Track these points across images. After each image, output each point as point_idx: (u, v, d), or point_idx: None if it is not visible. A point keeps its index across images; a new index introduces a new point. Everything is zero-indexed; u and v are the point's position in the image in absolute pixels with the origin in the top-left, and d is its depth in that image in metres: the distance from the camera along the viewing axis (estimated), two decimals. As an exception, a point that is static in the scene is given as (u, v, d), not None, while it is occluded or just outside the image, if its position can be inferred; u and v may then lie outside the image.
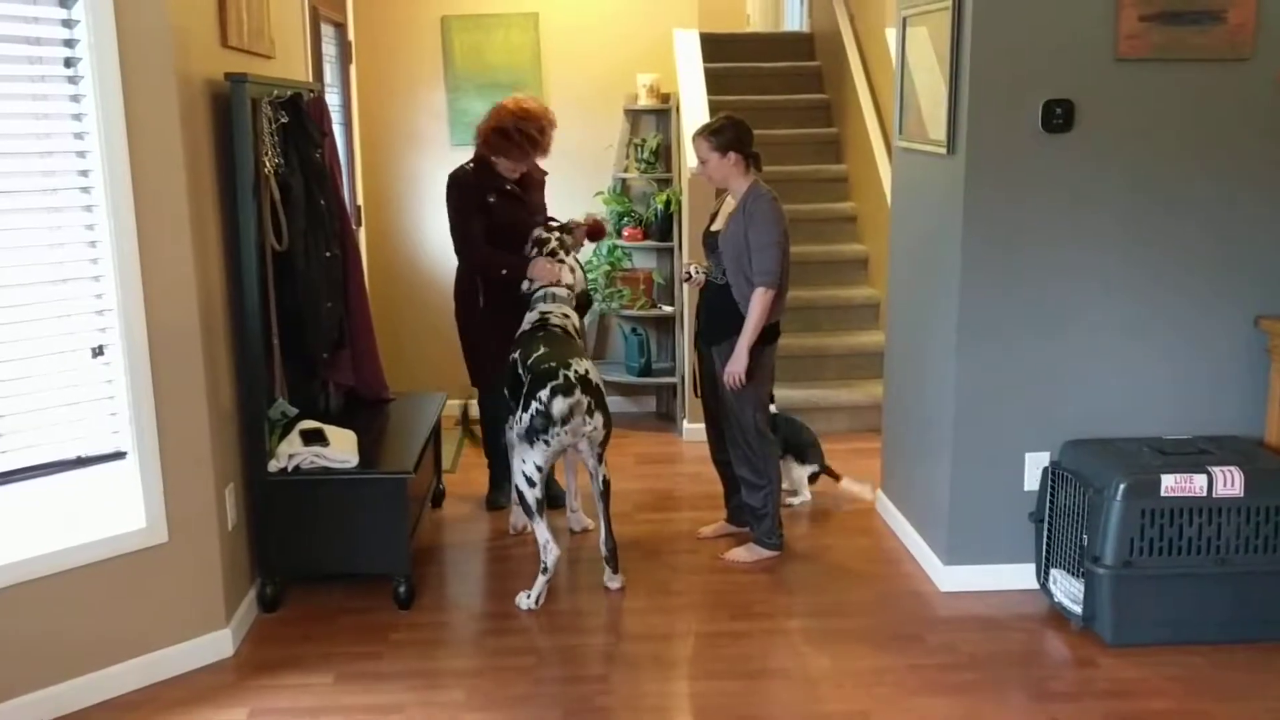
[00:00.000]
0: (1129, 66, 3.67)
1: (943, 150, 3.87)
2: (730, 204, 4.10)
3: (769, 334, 4.11)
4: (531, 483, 3.92)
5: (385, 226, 6.23)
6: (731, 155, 4.01)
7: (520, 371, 3.99)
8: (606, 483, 4.04)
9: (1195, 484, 3.46)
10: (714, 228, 4.17)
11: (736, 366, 4.02)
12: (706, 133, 4.05)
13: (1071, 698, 3.27)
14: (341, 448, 3.86)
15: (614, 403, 6.39)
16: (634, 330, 6.25)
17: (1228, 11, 3.62)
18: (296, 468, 3.78)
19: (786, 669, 3.47)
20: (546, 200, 4.85)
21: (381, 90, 6.13)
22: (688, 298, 5.50)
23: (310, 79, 4.89)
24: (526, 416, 3.85)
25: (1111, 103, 3.69)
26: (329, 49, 5.43)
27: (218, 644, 3.54)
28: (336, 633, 3.73)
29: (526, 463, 3.91)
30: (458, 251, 4.61)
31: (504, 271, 4.49)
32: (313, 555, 3.86)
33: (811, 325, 6.25)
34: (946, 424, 3.95)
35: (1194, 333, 3.86)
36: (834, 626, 3.74)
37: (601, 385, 4.03)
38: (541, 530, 3.94)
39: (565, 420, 3.82)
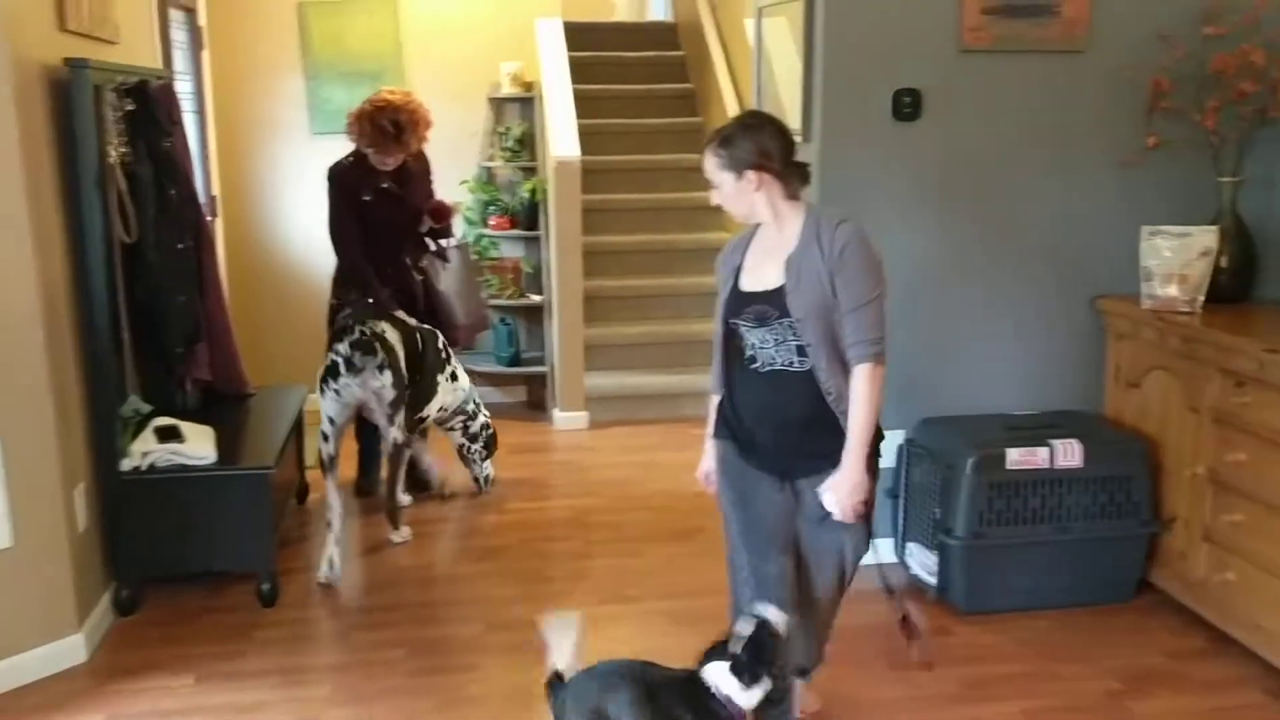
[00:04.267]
0: (973, 57, 3.82)
1: (798, 138, 3.96)
2: (776, 241, 2.70)
3: (879, 438, 2.75)
4: (325, 436, 4.16)
5: (243, 217, 6.07)
6: (751, 176, 2.64)
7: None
8: (395, 445, 4.27)
9: (1039, 457, 3.63)
10: (754, 285, 2.71)
11: (858, 492, 2.66)
12: (713, 144, 2.70)
13: (928, 665, 3.40)
14: (199, 444, 3.76)
15: (485, 393, 6.37)
16: (503, 320, 6.23)
17: (1063, 6, 3.79)
18: (151, 466, 3.67)
19: (657, 650, 3.48)
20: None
21: (236, 78, 5.97)
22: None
23: (159, 66, 4.73)
24: (322, 367, 4.11)
25: (957, 92, 3.84)
26: (179, 35, 5.26)
27: (71, 650, 3.42)
28: (198, 633, 3.64)
29: (323, 416, 4.13)
30: (333, 247, 4.55)
31: (362, 290, 4.51)
32: (171, 555, 3.75)
33: (680, 312, 6.33)
34: (807, 405, 4.04)
35: (1039, 313, 4.04)
36: (703, 606, 3.80)
37: (398, 349, 4.20)
38: (332, 492, 4.16)
39: (350, 368, 4.05)
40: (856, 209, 3.84)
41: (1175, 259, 3.66)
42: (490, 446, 4.90)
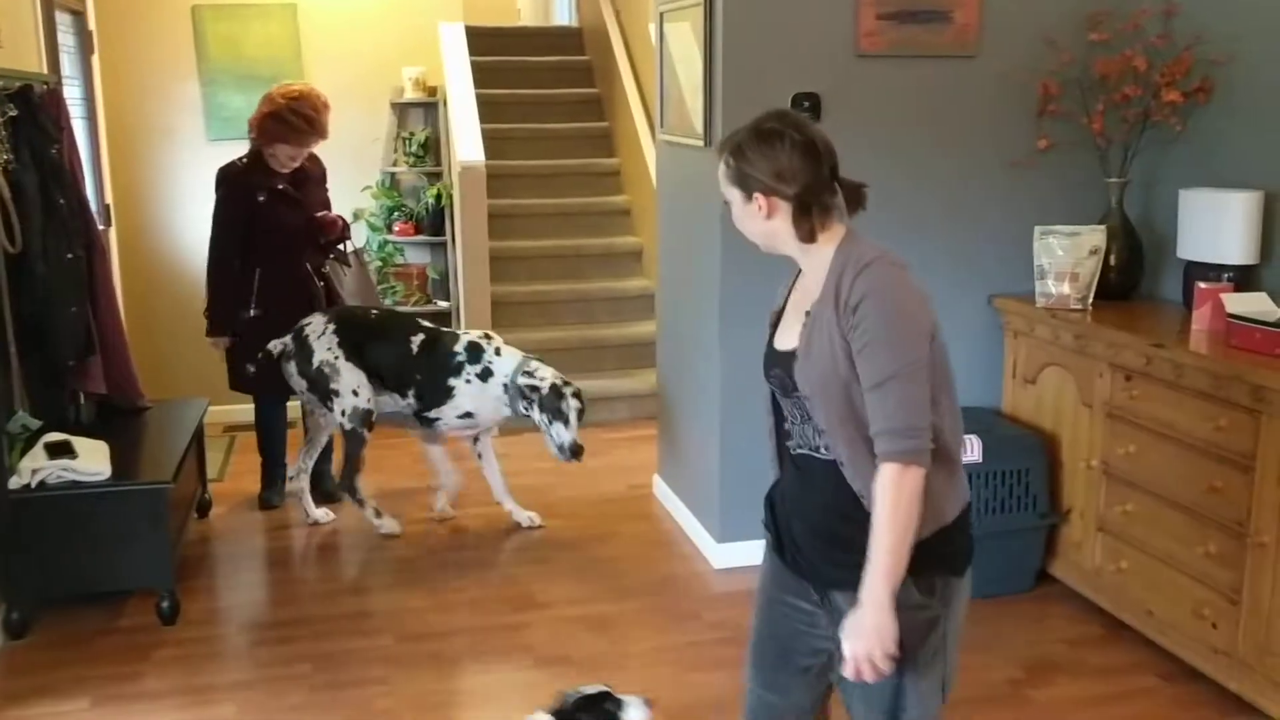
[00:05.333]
0: (869, 61, 3.89)
1: (701, 142, 3.99)
2: (809, 283, 2.08)
3: (951, 553, 2.05)
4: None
5: (138, 225, 5.91)
6: (760, 201, 2.01)
7: None
8: (342, 430, 4.43)
9: (940, 453, 3.70)
10: (781, 340, 2.13)
11: (873, 640, 1.91)
12: (724, 149, 2.07)
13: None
14: (92, 459, 3.65)
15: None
16: (410, 327, 6.16)
17: (954, 12, 3.88)
18: (42, 483, 3.55)
19: (568, 656, 3.52)
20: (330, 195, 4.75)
21: (129, 83, 5.81)
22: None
23: (45, 70, 4.58)
24: None
25: (855, 96, 3.90)
26: (66, 39, 5.10)
27: (-43, 677, 3.29)
28: (94, 655, 3.53)
29: None
30: (209, 249, 4.48)
31: (210, 306, 4.54)
32: (65, 575, 3.63)
33: (589, 317, 6.32)
34: (713, 407, 4.08)
35: (939, 311, 4.10)
36: (614, 611, 3.81)
37: (313, 348, 4.34)
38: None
39: (279, 359, 4.40)
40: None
41: (1067, 258, 3.77)
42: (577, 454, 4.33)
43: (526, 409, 4.29)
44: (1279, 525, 2.90)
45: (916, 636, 1.97)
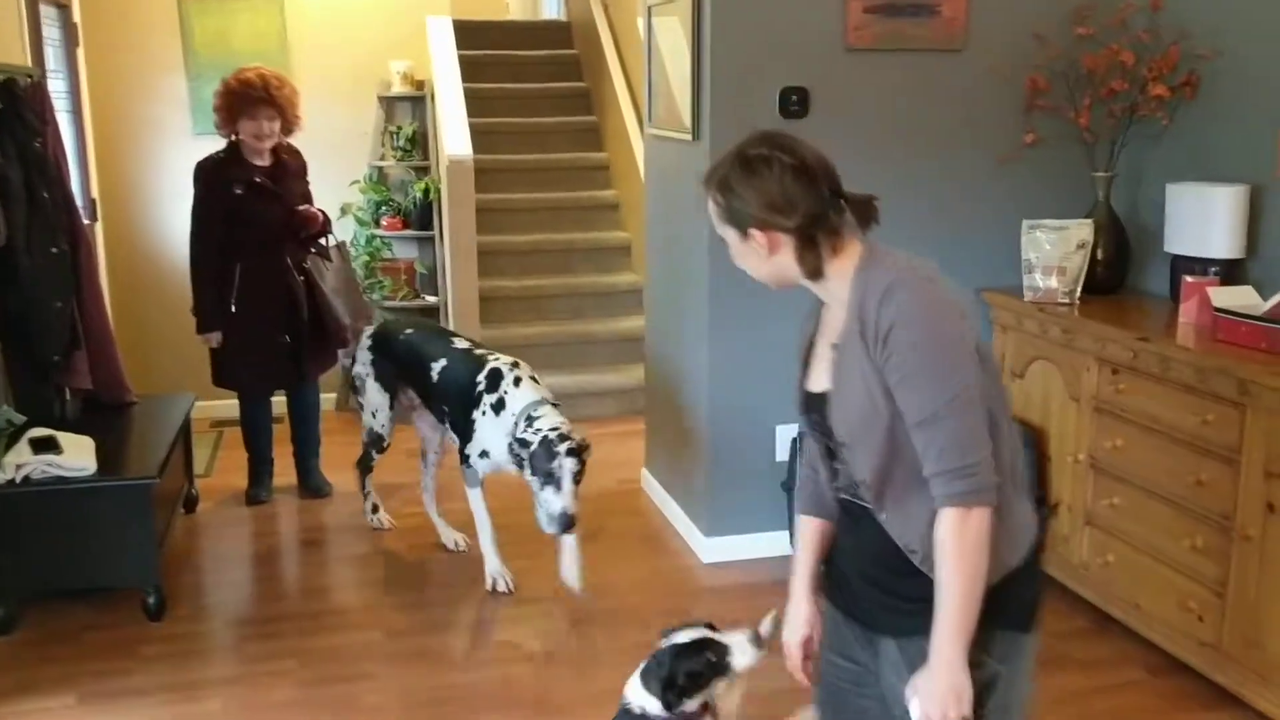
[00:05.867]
0: (857, 55, 3.88)
1: (689, 136, 3.99)
2: (833, 315, 1.86)
3: (1013, 604, 1.83)
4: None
5: (124, 220, 5.88)
6: (758, 237, 1.81)
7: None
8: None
9: (928, 447, 3.71)
10: (813, 380, 1.91)
11: (947, 701, 1.72)
12: (710, 183, 1.86)
13: (824, 655, 3.45)
14: (77, 455, 3.63)
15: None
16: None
17: (942, 6, 3.88)
18: (26, 478, 3.53)
19: (559, 651, 3.52)
20: (311, 189, 4.73)
21: (114, 76, 5.77)
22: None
23: (29, 63, 4.55)
24: None
25: (843, 90, 3.90)
26: (51, 31, 5.07)
27: (-58, 674, 3.28)
28: (80, 652, 3.51)
29: None
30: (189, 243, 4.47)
31: (195, 302, 4.50)
32: (50, 571, 3.62)
33: (578, 312, 6.32)
34: (702, 402, 4.08)
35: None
36: (604, 606, 3.80)
37: (355, 358, 4.36)
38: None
39: None
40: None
41: (1054, 251, 3.78)
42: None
43: (519, 465, 3.62)
44: (1264, 518, 2.91)
45: (988, 687, 1.77)
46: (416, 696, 3.25)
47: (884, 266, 1.77)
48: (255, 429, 4.77)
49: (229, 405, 4.98)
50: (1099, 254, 3.86)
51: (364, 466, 4.45)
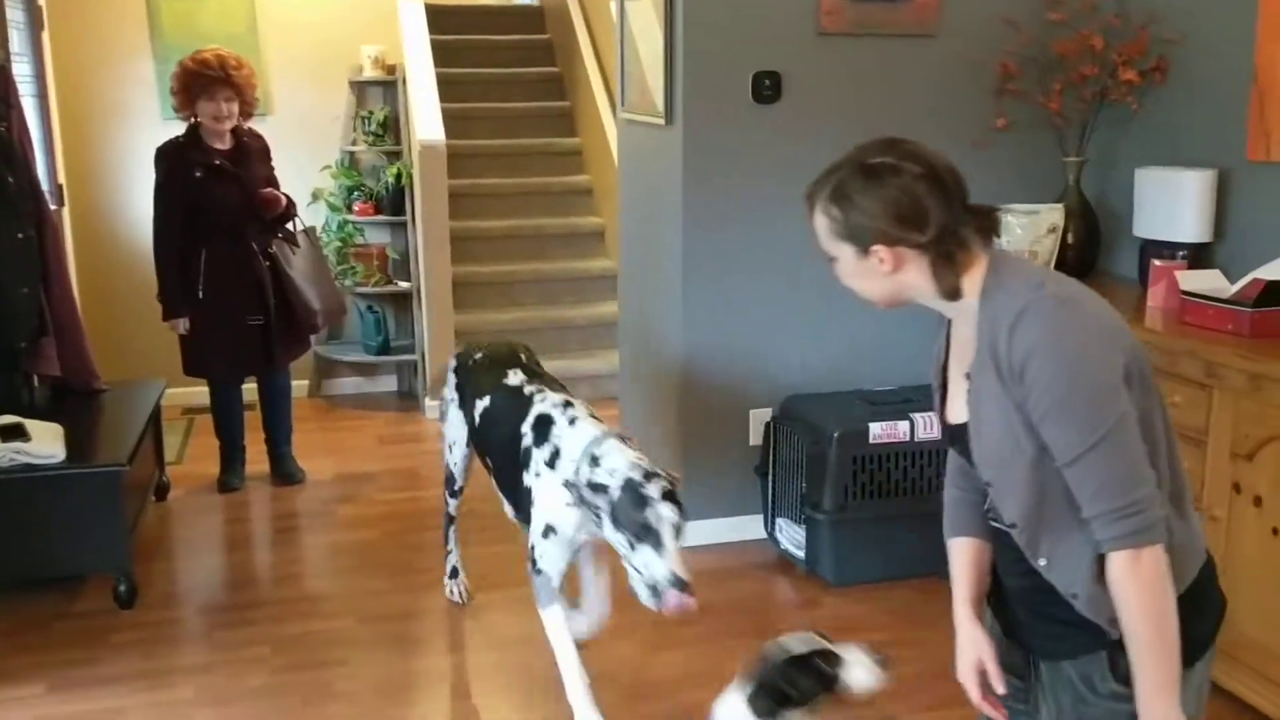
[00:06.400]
0: (830, 40, 3.88)
1: (662, 121, 3.98)
2: (964, 333, 1.72)
3: (1197, 636, 1.67)
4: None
5: (92, 205, 5.81)
6: (882, 254, 1.65)
7: None
8: None
9: (900, 430, 3.73)
10: (956, 414, 1.76)
11: None
12: (821, 195, 1.72)
13: (797, 637, 3.47)
14: (45, 443, 3.60)
15: (352, 383, 6.27)
16: (370, 308, 6.11)
17: (915, -10, 3.89)
18: (-6, 467, 3.50)
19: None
20: (276, 173, 4.68)
21: (81, 60, 5.70)
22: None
23: (-7, 46, 4.49)
24: None
25: (816, 74, 3.90)
26: (15, 14, 4.99)
27: (-91, 664, 3.25)
28: (50, 640, 3.48)
29: None
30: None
31: (160, 288, 4.43)
32: (19, 560, 3.59)
33: (552, 298, 6.30)
34: (675, 387, 4.08)
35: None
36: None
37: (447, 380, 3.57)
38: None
39: None
40: (719, 191, 3.89)
41: (1025, 236, 3.80)
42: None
43: (596, 520, 2.71)
44: (1231, 499, 2.94)
45: None
46: (389, 682, 3.25)
47: (1013, 288, 1.61)
48: (226, 416, 4.75)
49: (200, 392, 4.95)
50: (1069, 238, 3.88)
51: (445, 516, 3.72)
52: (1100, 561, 1.58)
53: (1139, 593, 1.55)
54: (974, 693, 1.84)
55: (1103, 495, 1.54)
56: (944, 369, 1.78)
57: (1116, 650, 1.62)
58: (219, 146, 4.43)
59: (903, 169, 1.64)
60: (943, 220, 1.62)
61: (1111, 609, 1.59)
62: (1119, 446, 1.53)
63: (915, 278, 1.66)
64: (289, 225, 4.66)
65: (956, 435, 1.74)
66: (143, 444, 4.02)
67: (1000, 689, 1.80)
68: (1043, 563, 1.65)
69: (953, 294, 1.65)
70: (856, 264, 1.68)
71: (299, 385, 5.57)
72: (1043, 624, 1.72)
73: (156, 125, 5.71)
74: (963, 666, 1.87)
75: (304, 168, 5.85)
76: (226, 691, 3.19)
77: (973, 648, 1.85)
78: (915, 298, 1.70)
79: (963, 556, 1.89)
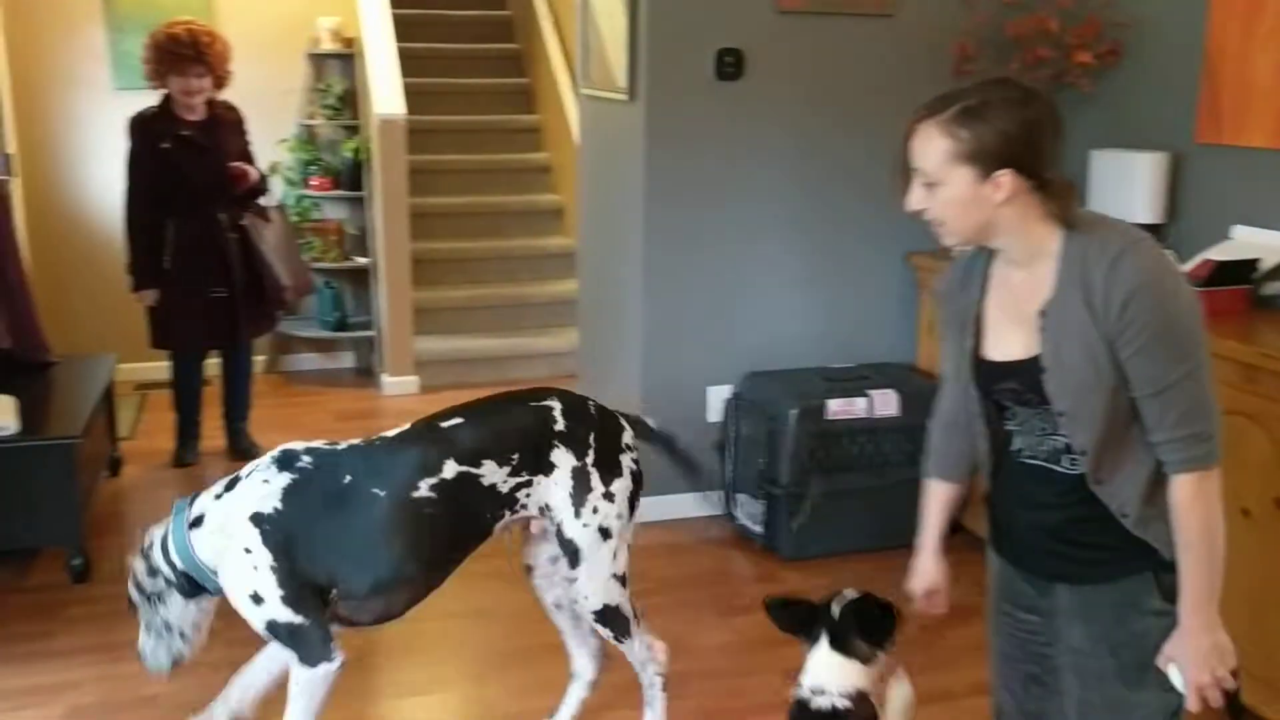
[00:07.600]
0: (790, 18, 3.90)
1: (624, 97, 3.98)
2: (1024, 281, 1.77)
3: None
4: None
5: (43, 176, 5.71)
6: (1003, 181, 1.66)
7: None
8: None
9: (857, 406, 3.78)
10: (1001, 351, 1.82)
11: (1214, 660, 1.73)
12: (945, 115, 1.69)
13: (755, 610, 3.49)
14: (-3, 414, 3.55)
15: (309, 359, 6.23)
16: (327, 283, 6.07)
17: (875, -31, 3.92)
18: (-56, 438, 3.45)
19: (487, 609, 3.52)
20: (252, 147, 4.64)
21: (31, 29, 5.59)
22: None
23: (-60, 12, 4.40)
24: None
25: (776, 52, 3.92)
26: (-37, -21, 4.89)
27: None
28: (3, 614, 3.46)
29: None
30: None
31: (130, 259, 4.37)
32: (-31, 533, 3.54)
33: (510, 276, 6.29)
34: (634, 363, 4.10)
35: (854, 269, 4.18)
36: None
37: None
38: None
39: None
40: (681, 168, 3.91)
41: (981, 216, 3.85)
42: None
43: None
44: (1178, 473, 3.00)
45: (1149, 645, 1.77)
46: (345, 648, 3.24)
47: (1103, 233, 1.69)
48: (186, 390, 4.71)
49: (153, 368, 4.90)
50: (1024, 218, 3.93)
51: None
52: (1150, 483, 1.73)
53: (1204, 510, 1.69)
54: (921, 603, 2.15)
55: (1183, 423, 1.67)
56: (976, 315, 1.85)
57: (1162, 569, 1.75)
58: (191, 118, 4.38)
59: (1037, 102, 1.68)
60: (1052, 159, 1.69)
61: (1156, 527, 1.74)
62: (1200, 380, 1.67)
63: (1012, 213, 1.70)
64: (260, 200, 4.62)
65: (1003, 372, 1.81)
66: (95, 418, 3.97)
67: (944, 610, 2.14)
68: (1101, 485, 1.75)
69: (1070, 225, 1.71)
70: (969, 189, 1.68)
71: (256, 360, 5.52)
72: (1080, 551, 1.82)
73: (110, 96, 5.63)
74: (918, 586, 2.15)
75: (260, 141, 5.75)
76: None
77: (929, 575, 2.13)
78: (999, 235, 1.74)
79: (940, 497, 2.12)
